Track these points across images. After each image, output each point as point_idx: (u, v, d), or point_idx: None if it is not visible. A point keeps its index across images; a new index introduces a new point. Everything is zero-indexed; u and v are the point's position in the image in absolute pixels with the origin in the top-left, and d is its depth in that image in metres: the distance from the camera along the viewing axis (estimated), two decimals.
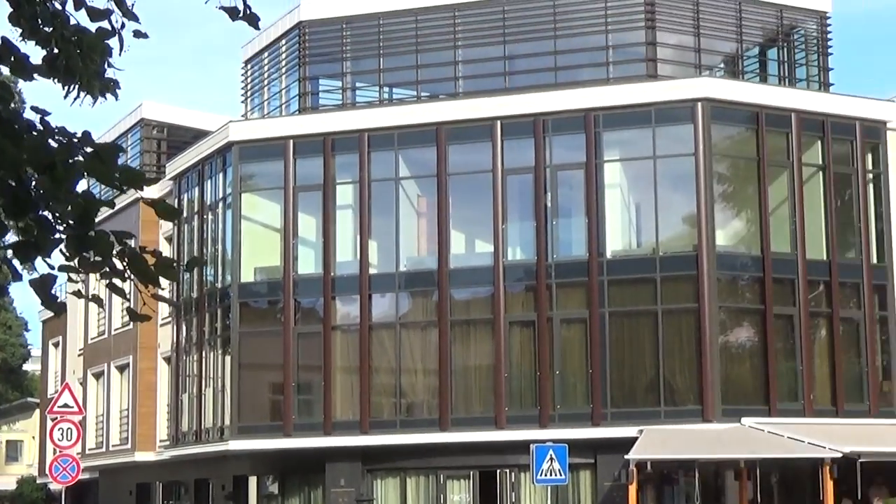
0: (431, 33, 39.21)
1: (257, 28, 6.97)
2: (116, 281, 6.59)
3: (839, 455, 31.67)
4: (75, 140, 6.37)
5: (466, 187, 37.03)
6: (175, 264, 6.71)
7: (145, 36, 7.22)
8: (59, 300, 6.52)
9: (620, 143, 36.34)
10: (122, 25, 7.08)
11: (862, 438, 33.23)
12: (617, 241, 36.08)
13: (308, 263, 38.11)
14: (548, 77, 37.96)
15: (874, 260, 36.85)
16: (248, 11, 6.87)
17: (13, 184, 6.26)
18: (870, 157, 37.41)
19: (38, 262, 6.51)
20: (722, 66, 38.84)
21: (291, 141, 37.94)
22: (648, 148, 35.44)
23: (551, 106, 36.02)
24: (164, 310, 42.87)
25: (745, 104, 35.66)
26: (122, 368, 46.96)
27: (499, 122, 36.21)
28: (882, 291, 36.85)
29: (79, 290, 7.10)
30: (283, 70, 41.63)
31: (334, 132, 37.71)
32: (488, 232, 36.35)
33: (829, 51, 39.22)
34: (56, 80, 7.01)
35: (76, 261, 6.49)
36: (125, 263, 6.50)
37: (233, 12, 6.87)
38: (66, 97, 7.10)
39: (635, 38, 37.91)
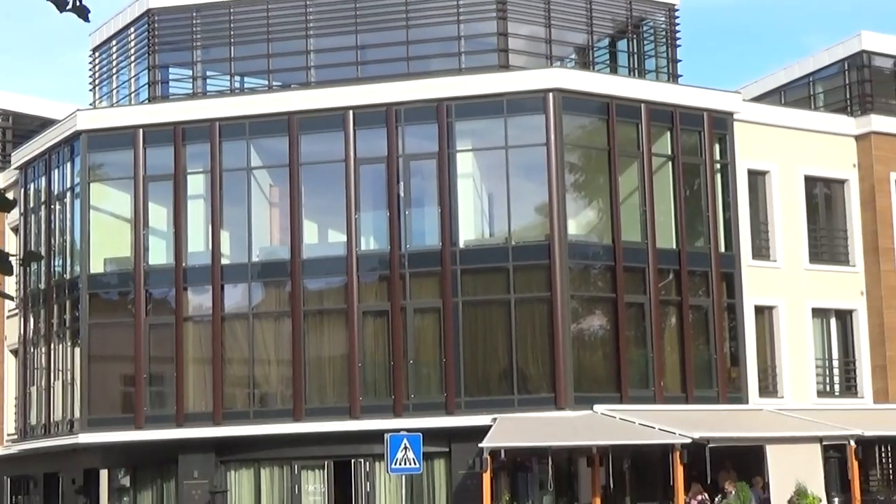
0: (283, 22, 38.94)
1: (87, 21, 6.78)
2: None
3: (689, 441, 32.15)
4: None
5: (319, 177, 36.84)
6: (10, 258, 6.52)
7: None
8: None
9: (473, 132, 36.46)
10: None
11: (711, 424, 33.79)
12: (470, 230, 36.20)
13: (159, 254, 37.62)
14: (400, 67, 37.94)
15: (722, 249, 37.49)
16: (78, 3, 6.68)
17: None
18: (717, 147, 38.02)
19: None
20: (573, 57, 39.18)
21: (141, 130, 37.40)
22: (500, 138, 35.61)
23: (404, 96, 35.99)
24: (10, 302, 42.04)
25: (595, 95, 36.01)
26: None
27: (351, 112, 36.09)
28: (730, 279, 37.50)
29: None
30: (133, 58, 41.04)
31: (185, 121, 37.25)
32: (341, 222, 36.23)
33: (678, 43, 39.79)
34: None
35: None
36: None
37: (61, 4, 6.69)
38: None
39: (487, 29, 38.05)
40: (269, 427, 35.60)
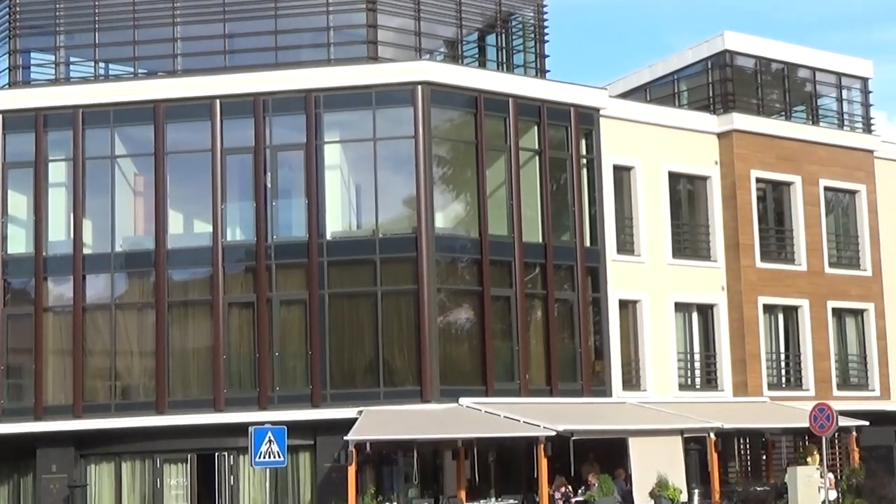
0: (149, 9, 38.31)
1: None
2: None
3: (553, 433, 32.35)
4: None
5: (185, 166, 36.39)
6: None
7: None
8: None
9: (341, 124, 36.29)
10: None
11: (575, 417, 34.06)
12: (337, 222, 36.02)
13: (18, 243, 36.85)
14: (269, 57, 37.60)
15: (587, 243, 37.84)
16: None
17: None
18: (584, 142, 38.36)
19: None
20: (442, 50, 39.19)
21: (0, 116, 36.61)
22: (369, 130, 35.52)
23: (272, 86, 35.74)
24: None
25: (464, 88, 36.10)
26: None
27: (218, 101, 35.74)
28: (595, 273, 37.87)
29: None
30: None
31: (47, 107, 36.54)
32: (207, 212, 35.82)
33: (546, 38, 39.99)
34: None
35: None
36: None
37: None
38: None
39: (357, 21, 37.83)
40: (131, 420, 35.08)
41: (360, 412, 33.42)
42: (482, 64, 39.14)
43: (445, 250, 35.54)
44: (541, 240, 36.89)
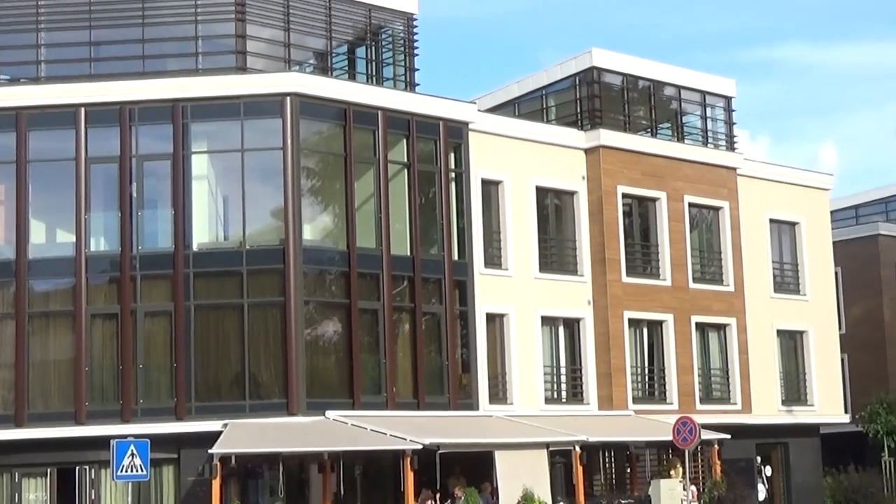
0: (12, 14, 37.63)
1: None
2: None
3: (420, 447, 32.34)
4: None
5: (48, 175, 35.72)
6: None
7: None
8: None
9: (208, 134, 35.97)
10: None
11: (441, 430, 34.08)
12: (204, 233, 35.69)
13: None
14: (135, 65, 37.10)
15: (455, 256, 37.94)
16: None
17: None
18: (452, 156, 38.46)
19: None
20: (312, 62, 39.03)
21: None
22: (237, 140, 35.25)
23: (138, 95, 35.29)
24: None
25: (333, 100, 35.99)
26: None
27: (83, 109, 35.19)
28: (462, 287, 37.98)
29: None
30: None
31: None
32: (70, 222, 35.23)
33: (416, 52, 40.02)
34: None
35: None
36: None
37: None
38: None
39: (225, 30, 37.53)
40: None
41: (225, 425, 33.12)
42: (352, 76, 39.07)
43: (313, 262, 35.38)
44: (409, 253, 36.91)
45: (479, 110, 39.77)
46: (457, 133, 38.41)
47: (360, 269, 35.75)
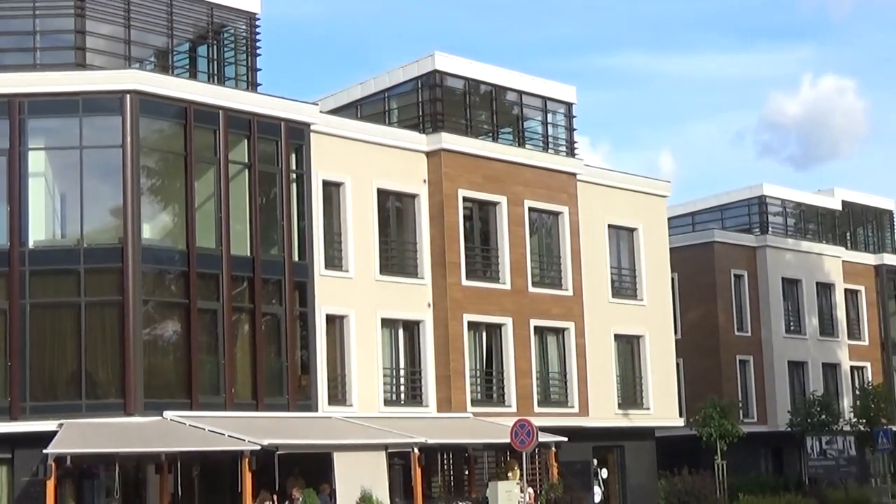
0: None
1: None
2: None
3: (258, 448, 32.21)
4: None
5: None
6: None
7: None
8: None
9: (46, 131, 35.40)
10: None
11: (280, 431, 34.00)
12: (40, 231, 35.09)
13: None
14: None
15: (296, 258, 37.86)
16: None
17: None
18: (294, 157, 38.40)
19: None
20: (153, 59, 38.64)
21: None
22: (75, 137, 34.79)
23: None
24: None
25: (174, 99, 35.70)
26: None
27: None
28: (303, 288, 37.92)
29: None
30: None
31: None
32: None
33: (258, 51, 39.82)
34: None
35: None
36: None
37: None
38: None
39: (64, 26, 36.91)
40: None
41: (60, 425, 32.63)
42: (193, 75, 38.75)
43: (152, 262, 35.04)
44: (249, 253, 36.75)
45: (321, 112, 39.75)
46: (298, 134, 38.35)
47: (200, 268, 35.50)
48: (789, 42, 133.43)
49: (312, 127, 38.75)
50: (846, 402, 64.37)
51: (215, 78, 38.98)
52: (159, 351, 35.34)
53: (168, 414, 33.81)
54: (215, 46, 39.37)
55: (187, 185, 35.72)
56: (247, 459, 32.31)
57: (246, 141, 37.22)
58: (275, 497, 34.65)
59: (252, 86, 39.23)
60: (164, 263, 35.59)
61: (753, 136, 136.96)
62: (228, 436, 32.59)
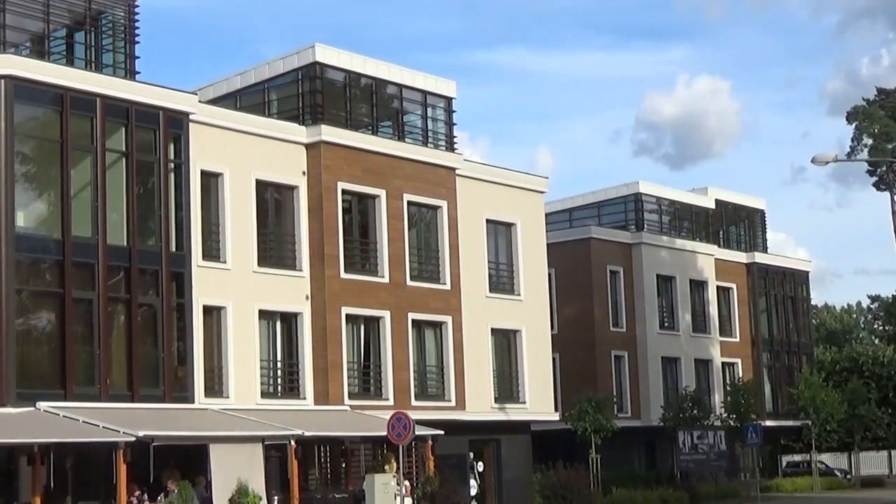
0: None
1: None
2: None
3: (133, 439, 31.87)
4: None
5: None
6: None
7: None
8: None
9: None
10: None
11: (156, 423, 33.65)
12: None
13: None
14: None
15: (173, 248, 37.46)
16: None
17: None
18: (172, 146, 37.97)
19: None
20: (28, 45, 37.98)
21: None
22: None
23: None
24: None
25: (50, 85, 35.11)
26: None
27: None
28: (180, 279, 37.53)
29: None
30: None
31: None
32: None
33: (137, 39, 39.35)
34: None
35: None
36: None
37: None
38: None
39: None
40: None
41: None
42: (70, 61, 38.15)
43: (26, 250, 34.45)
44: (125, 243, 36.28)
45: (200, 101, 39.38)
46: (177, 123, 37.95)
47: (75, 258, 34.99)
48: (666, 43, 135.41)
49: (191, 116, 38.37)
50: (717, 398, 65.48)
51: (93, 65, 38.46)
52: (33, 341, 34.75)
53: (41, 405, 33.28)
54: (93, 33, 38.83)
55: (63, 173, 35.17)
56: (122, 451, 31.98)
57: (123, 129, 36.73)
58: (145, 489, 34.23)
59: (130, 73, 38.77)
60: (39, 252, 35.01)
61: (630, 134, 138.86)
62: (103, 427, 32.20)
